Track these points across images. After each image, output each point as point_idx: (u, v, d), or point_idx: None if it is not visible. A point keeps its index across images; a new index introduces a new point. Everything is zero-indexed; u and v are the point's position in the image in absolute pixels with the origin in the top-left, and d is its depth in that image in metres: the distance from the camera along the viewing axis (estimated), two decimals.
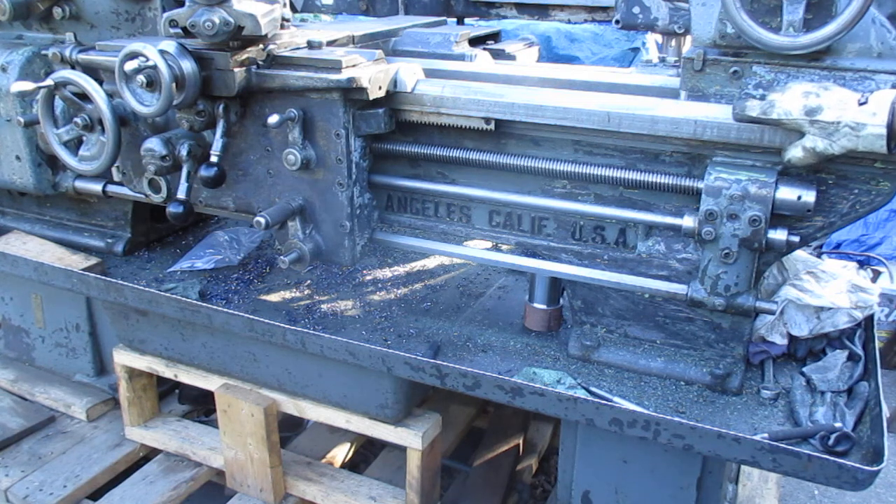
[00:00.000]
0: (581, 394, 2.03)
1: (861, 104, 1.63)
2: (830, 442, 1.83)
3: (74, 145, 2.31)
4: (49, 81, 2.17)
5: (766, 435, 1.88)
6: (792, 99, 1.70)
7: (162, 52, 1.97)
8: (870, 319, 2.24)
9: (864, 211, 1.85)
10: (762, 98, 1.76)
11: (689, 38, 2.51)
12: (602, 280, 2.11)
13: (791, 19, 1.71)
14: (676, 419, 1.86)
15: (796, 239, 1.87)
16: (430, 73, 2.21)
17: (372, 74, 2.01)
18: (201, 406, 3.07)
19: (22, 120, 2.44)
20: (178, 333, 2.61)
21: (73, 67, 2.41)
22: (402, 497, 2.52)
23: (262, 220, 2.09)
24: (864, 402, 2.00)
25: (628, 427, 1.90)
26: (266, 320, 2.31)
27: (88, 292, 2.69)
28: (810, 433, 1.88)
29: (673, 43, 2.69)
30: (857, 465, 1.69)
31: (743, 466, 2.67)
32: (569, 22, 3.34)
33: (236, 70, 2.04)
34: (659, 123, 1.88)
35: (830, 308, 2.16)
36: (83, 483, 2.68)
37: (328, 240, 2.24)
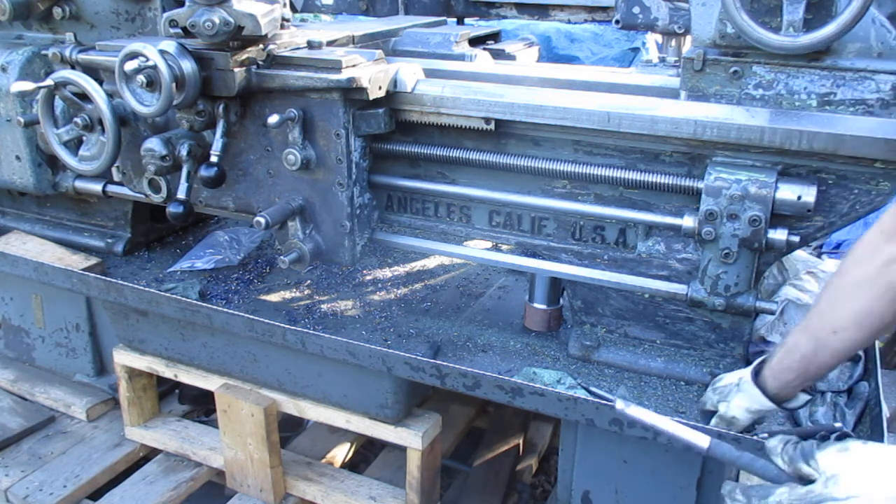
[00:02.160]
0: (581, 394, 2.03)
1: None
2: None
3: (74, 145, 2.31)
4: (49, 81, 2.17)
5: (765, 435, 1.87)
6: None
7: (162, 52, 1.97)
8: None
9: (864, 211, 1.85)
10: None
11: (689, 38, 2.51)
12: (602, 280, 2.11)
13: (791, 19, 1.71)
14: (676, 419, 1.86)
15: (796, 239, 1.87)
16: (430, 73, 2.21)
17: (372, 74, 2.01)
18: (201, 406, 3.07)
19: (22, 120, 2.44)
20: (178, 333, 2.61)
21: (73, 67, 2.41)
22: (402, 497, 2.52)
23: (262, 220, 2.09)
24: (864, 402, 2.00)
25: (628, 427, 1.90)
26: (266, 320, 2.31)
27: (88, 292, 2.68)
28: (810, 433, 1.87)
29: (673, 43, 2.69)
30: None
31: None
32: (569, 22, 3.34)
33: (236, 70, 2.04)
34: (659, 123, 1.88)
35: None
36: (83, 483, 2.68)
37: (328, 240, 2.24)
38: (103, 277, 2.61)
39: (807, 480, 1.15)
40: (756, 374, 1.67)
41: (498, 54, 2.70)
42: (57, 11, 2.62)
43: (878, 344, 2.19)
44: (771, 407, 1.66)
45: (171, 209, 2.15)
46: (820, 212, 1.85)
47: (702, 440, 1.31)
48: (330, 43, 2.29)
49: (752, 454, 1.26)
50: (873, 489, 1.03)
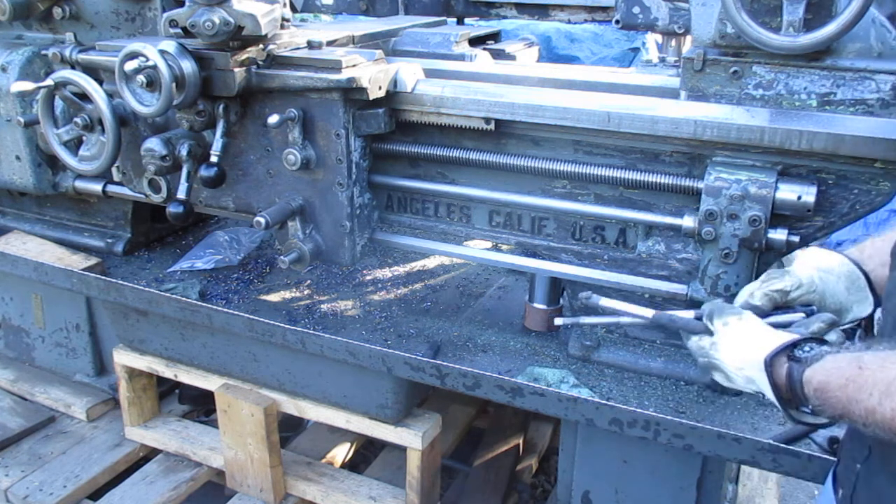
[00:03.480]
0: (584, 393, 2.03)
1: None
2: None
3: (74, 145, 2.31)
4: (49, 81, 2.17)
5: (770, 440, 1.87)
6: None
7: (162, 52, 1.97)
8: (870, 319, 2.24)
9: (864, 211, 1.85)
10: None
11: (689, 38, 2.51)
12: (602, 280, 2.11)
13: (791, 19, 1.71)
14: (676, 419, 1.86)
15: (796, 239, 1.87)
16: (430, 73, 2.21)
17: (372, 74, 2.01)
18: (201, 406, 3.07)
19: (22, 120, 2.44)
20: (178, 333, 2.61)
21: (73, 67, 2.41)
22: (402, 497, 2.52)
23: (262, 220, 2.09)
24: None
25: (628, 427, 1.90)
26: (266, 320, 2.31)
27: (88, 292, 2.68)
28: (811, 432, 1.87)
29: (673, 43, 2.68)
30: None
31: (743, 466, 2.67)
32: (569, 22, 3.34)
33: (236, 70, 2.04)
34: (659, 123, 1.88)
35: None
36: (83, 483, 2.68)
37: (328, 240, 2.24)
38: (103, 277, 2.61)
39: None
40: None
41: (498, 54, 2.70)
42: (57, 11, 2.62)
43: None
44: (858, 274, 1.63)
45: (171, 209, 2.15)
46: (820, 212, 1.85)
47: (647, 312, 1.63)
48: (330, 43, 2.29)
49: (684, 320, 1.58)
50: (732, 357, 1.44)
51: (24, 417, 2.95)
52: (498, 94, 2.04)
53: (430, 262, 2.94)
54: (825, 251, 1.69)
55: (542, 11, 3.28)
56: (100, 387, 3.04)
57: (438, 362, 2.12)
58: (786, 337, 1.38)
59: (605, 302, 1.68)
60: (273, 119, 2.01)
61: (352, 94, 2.03)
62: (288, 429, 2.99)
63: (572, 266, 2.16)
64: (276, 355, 2.45)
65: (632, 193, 2.07)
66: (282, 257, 2.21)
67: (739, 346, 1.44)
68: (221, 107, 2.14)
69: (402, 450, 2.48)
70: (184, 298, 2.47)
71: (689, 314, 1.60)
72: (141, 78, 1.97)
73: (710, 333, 1.51)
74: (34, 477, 2.69)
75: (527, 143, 2.12)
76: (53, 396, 3.02)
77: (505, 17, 3.42)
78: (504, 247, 2.44)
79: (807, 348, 1.33)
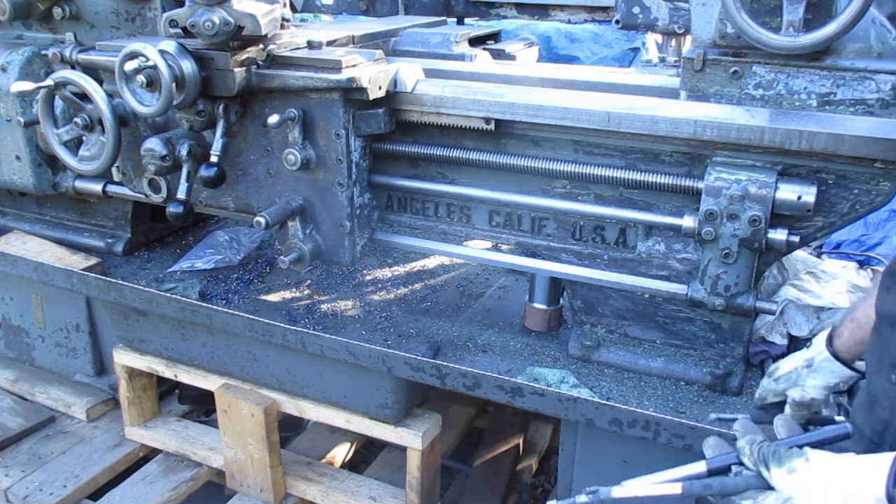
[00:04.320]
0: (584, 393, 2.03)
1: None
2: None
3: (74, 145, 2.31)
4: (49, 81, 2.17)
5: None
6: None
7: (162, 52, 1.97)
8: None
9: (864, 211, 1.85)
10: None
11: (689, 38, 2.51)
12: (602, 280, 2.11)
13: (791, 19, 1.71)
14: (676, 419, 1.86)
15: (796, 239, 1.87)
16: (430, 73, 2.21)
17: (372, 74, 2.01)
18: (201, 406, 3.07)
19: (22, 120, 2.44)
20: (178, 333, 2.61)
21: (73, 67, 2.41)
22: (402, 497, 2.52)
23: (262, 220, 2.09)
24: None
25: (628, 427, 1.90)
26: (266, 320, 2.31)
27: (88, 292, 2.69)
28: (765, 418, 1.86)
29: (673, 43, 2.69)
30: None
31: None
32: (569, 22, 3.34)
33: (236, 70, 2.04)
34: (659, 123, 1.88)
35: (830, 308, 2.16)
36: (83, 483, 2.68)
37: (328, 240, 2.24)
38: (103, 277, 2.61)
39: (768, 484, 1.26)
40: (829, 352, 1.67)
41: (498, 54, 2.70)
42: (57, 11, 2.62)
43: None
44: (852, 375, 1.64)
45: (171, 209, 2.15)
46: (820, 212, 1.85)
47: (675, 488, 1.37)
48: (330, 43, 2.29)
49: (720, 481, 1.32)
50: None
51: (24, 417, 2.95)
52: (498, 94, 2.04)
53: (430, 262, 2.94)
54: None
55: (542, 11, 3.28)
56: (100, 387, 3.04)
57: (438, 362, 2.12)
58: (884, 460, 1.14)
59: (618, 493, 1.44)
60: (273, 119, 2.01)
61: (352, 94, 2.03)
62: (288, 429, 2.99)
63: (572, 266, 2.16)
64: (276, 355, 2.45)
65: (632, 193, 2.07)
66: (282, 257, 2.21)
67: (831, 491, 1.16)
68: (221, 107, 2.14)
69: (402, 450, 2.47)
70: (184, 298, 2.47)
71: (700, 467, 1.36)
72: (141, 78, 1.97)
73: (768, 487, 1.25)
74: (34, 477, 2.69)
75: (527, 143, 2.12)
76: (53, 396, 3.02)
77: (505, 17, 3.42)
78: (504, 247, 2.44)
79: None
